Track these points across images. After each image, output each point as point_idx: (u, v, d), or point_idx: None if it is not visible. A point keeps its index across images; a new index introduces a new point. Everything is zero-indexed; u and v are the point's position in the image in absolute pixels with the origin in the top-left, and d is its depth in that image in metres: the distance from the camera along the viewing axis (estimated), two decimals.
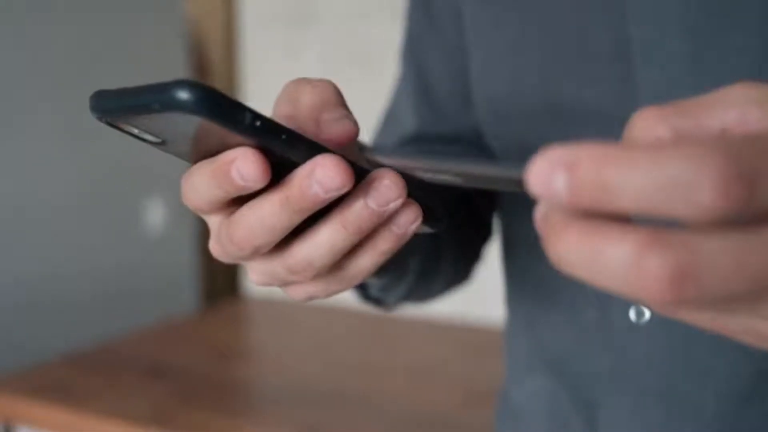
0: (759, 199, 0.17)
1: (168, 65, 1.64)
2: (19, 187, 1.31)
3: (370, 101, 1.50)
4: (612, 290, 0.18)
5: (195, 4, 1.74)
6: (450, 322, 1.43)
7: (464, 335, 1.37)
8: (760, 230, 0.17)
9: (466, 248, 0.52)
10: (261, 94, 1.70)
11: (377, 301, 0.47)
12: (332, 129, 0.28)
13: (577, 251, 0.17)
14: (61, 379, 1.13)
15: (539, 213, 0.19)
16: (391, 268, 0.40)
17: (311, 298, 0.31)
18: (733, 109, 0.20)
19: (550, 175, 0.17)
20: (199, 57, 1.76)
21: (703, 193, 0.16)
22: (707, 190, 0.16)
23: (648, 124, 0.20)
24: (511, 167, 0.21)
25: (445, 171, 0.25)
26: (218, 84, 1.77)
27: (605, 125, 0.38)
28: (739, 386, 0.37)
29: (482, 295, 1.45)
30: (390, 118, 0.56)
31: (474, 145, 0.51)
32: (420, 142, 0.53)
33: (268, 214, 0.26)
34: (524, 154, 0.43)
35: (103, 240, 1.48)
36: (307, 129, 0.28)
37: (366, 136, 1.53)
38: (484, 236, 0.54)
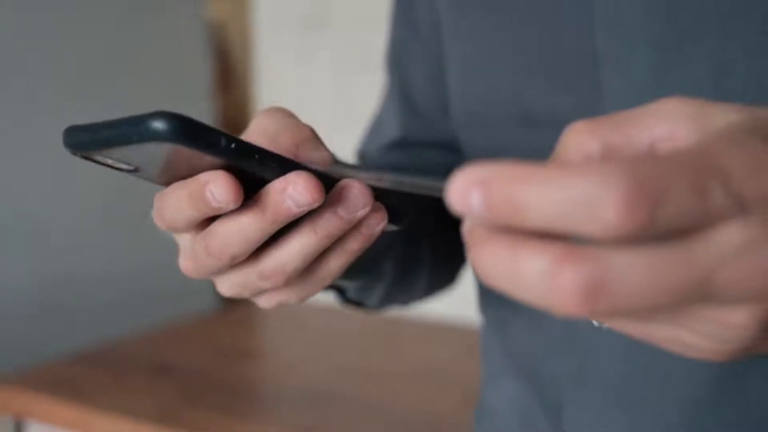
0: (665, 217, 0.17)
1: (191, 69, 1.65)
2: (37, 190, 1.34)
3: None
4: (530, 303, 0.18)
5: (217, 8, 1.76)
6: (451, 323, 1.44)
7: (464, 337, 1.37)
8: (672, 246, 0.18)
9: (446, 251, 0.52)
10: (272, 99, 1.72)
11: (357, 304, 0.48)
12: (308, 154, 0.30)
13: (497, 265, 0.18)
14: (71, 377, 1.15)
15: (466, 226, 0.20)
16: (365, 270, 0.41)
17: (281, 304, 0.32)
18: (663, 123, 0.20)
19: (466, 192, 0.18)
20: (221, 61, 1.78)
21: (607, 211, 0.16)
22: (611, 209, 0.16)
23: (578, 138, 0.21)
24: (439, 181, 0.22)
25: (385, 180, 0.27)
26: (237, 88, 1.79)
27: None
28: (699, 392, 0.38)
29: None
30: (376, 125, 0.57)
31: (456, 151, 0.52)
32: (404, 148, 0.54)
33: (245, 225, 0.28)
34: (496, 159, 0.43)
35: (122, 242, 1.50)
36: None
37: None
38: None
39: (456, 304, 1.50)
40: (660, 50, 0.35)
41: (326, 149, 0.31)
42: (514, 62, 0.42)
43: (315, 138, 0.31)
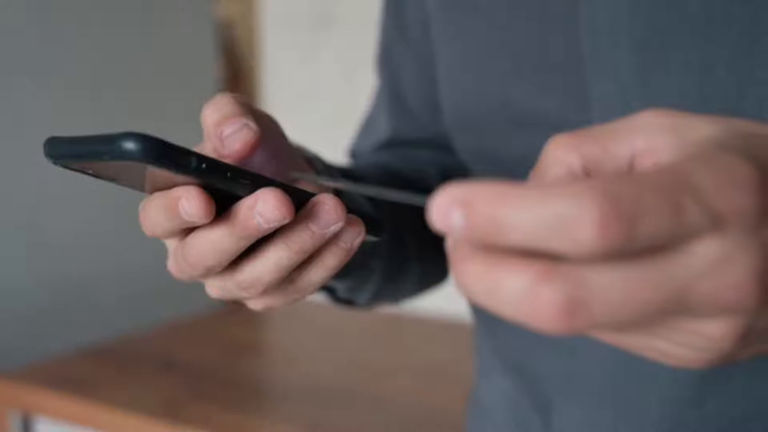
0: (640, 235, 0.17)
1: (200, 67, 1.65)
2: (46, 190, 1.35)
3: None
4: (511, 319, 0.18)
5: (226, 6, 1.77)
6: (453, 321, 1.44)
7: (467, 335, 1.37)
8: (648, 262, 0.18)
9: (435, 248, 0.53)
10: (277, 97, 1.73)
11: (348, 302, 0.49)
12: (232, 145, 0.29)
13: (478, 281, 0.18)
14: (78, 372, 1.16)
15: (450, 243, 0.20)
16: (354, 271, 0.42)
17: (268, 308, 0.33)
18: (642, 136, 0.21)
19: (448, 211, 0.18)
20: (230, 59, 1.79)
21: (583, 231, 0.17)
22: (587, 228, 0.17)
23: (559, 152, 0.21)
24: (421, 197, 0.23)
25: (367, 191, 0.27)
26: (244, 86, 1.80)
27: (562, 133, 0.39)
28: (682, 391, 0.38)
29: None
30: (367, 124, 0.58)
31: (446, 149, 0.52)
32: (394, 147, 0.55)
33: (217, 240, 0.29)
34: (487, 160, 0.44)
35: (128, 240, 1.51)
36: (215, 146, 0.30)
37: None
38: None
39: (458, 302, 1.51)
40: (644, 53, 0.36)
41: (249, 126, 0.29)
42: (502, 63, 0.42)
43: (243, 113, 0.29)
